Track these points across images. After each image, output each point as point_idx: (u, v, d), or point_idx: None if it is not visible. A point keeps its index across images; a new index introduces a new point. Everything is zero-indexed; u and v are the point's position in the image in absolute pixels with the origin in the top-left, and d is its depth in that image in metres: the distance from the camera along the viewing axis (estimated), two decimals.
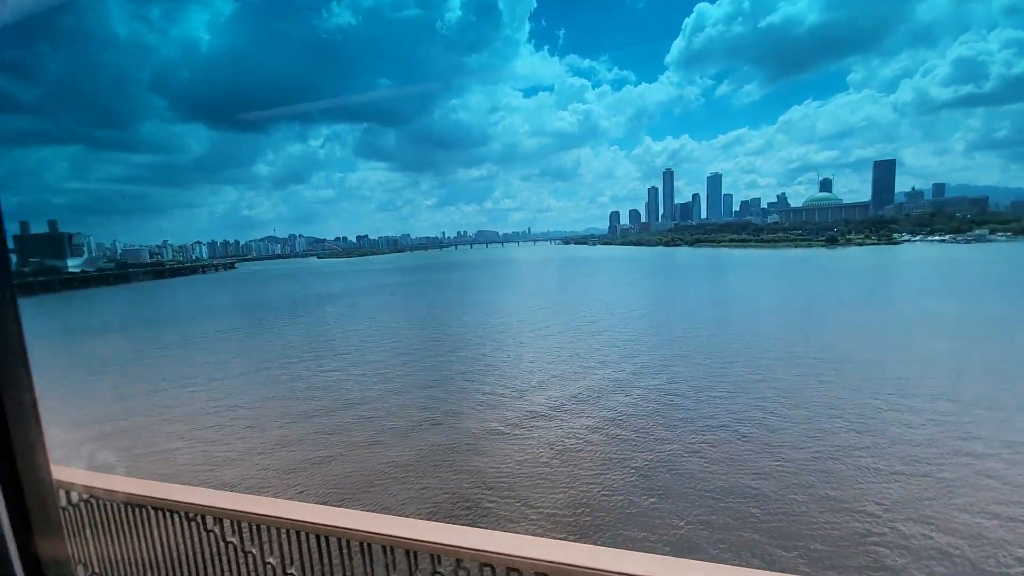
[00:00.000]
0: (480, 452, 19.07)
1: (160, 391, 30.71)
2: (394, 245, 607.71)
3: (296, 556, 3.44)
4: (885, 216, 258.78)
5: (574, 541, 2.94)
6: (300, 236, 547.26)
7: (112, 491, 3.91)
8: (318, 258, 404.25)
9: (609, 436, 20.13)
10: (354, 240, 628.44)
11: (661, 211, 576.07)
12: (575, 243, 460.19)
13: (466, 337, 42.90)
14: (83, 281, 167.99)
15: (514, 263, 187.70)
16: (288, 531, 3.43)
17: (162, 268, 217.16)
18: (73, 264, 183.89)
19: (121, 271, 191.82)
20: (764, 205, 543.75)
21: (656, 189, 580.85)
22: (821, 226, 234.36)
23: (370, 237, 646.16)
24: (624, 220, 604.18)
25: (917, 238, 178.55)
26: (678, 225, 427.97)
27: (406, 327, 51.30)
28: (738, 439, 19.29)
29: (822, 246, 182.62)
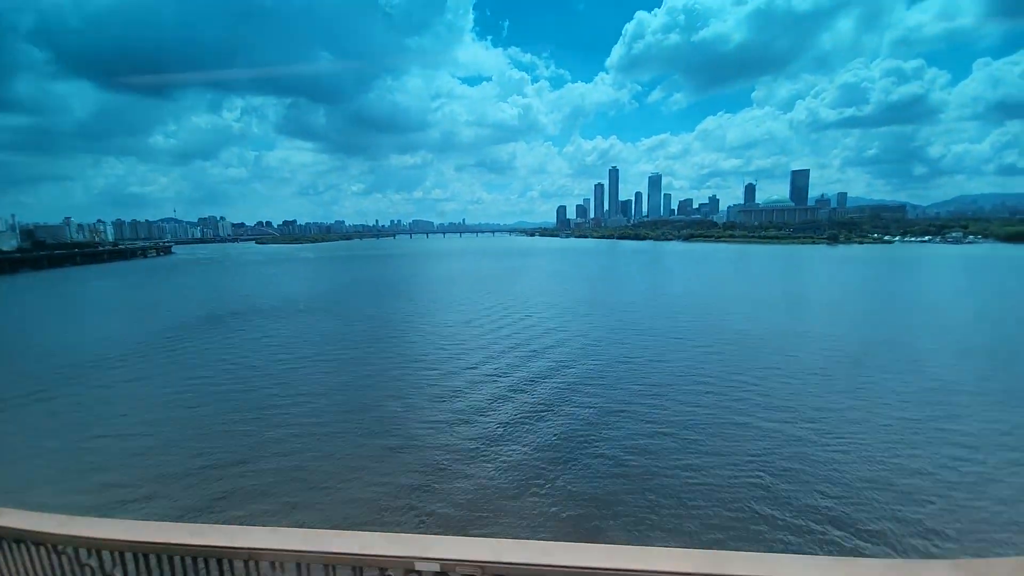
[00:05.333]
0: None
1: None
2: (326, 232, 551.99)
3: None
4: (836, 219, 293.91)
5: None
6: (223, 219, 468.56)
7: None
8: (257, 243, 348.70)
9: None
10: (277, 225, 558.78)
11: (606, 207, 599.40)
12: (539, 235, 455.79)
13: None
14: (8, 264, 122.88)
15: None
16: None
17: (98, 251, 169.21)
18: None
19: (53, 253, 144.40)
20: (696, 205, 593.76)
21: (602, 186, 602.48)
22: (807, 225, 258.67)
23: (298, 222, 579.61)
24: (571, 214, 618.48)
25: (896, 239, 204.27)
26: (646, 221, 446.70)
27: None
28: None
29: (824, 243, 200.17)
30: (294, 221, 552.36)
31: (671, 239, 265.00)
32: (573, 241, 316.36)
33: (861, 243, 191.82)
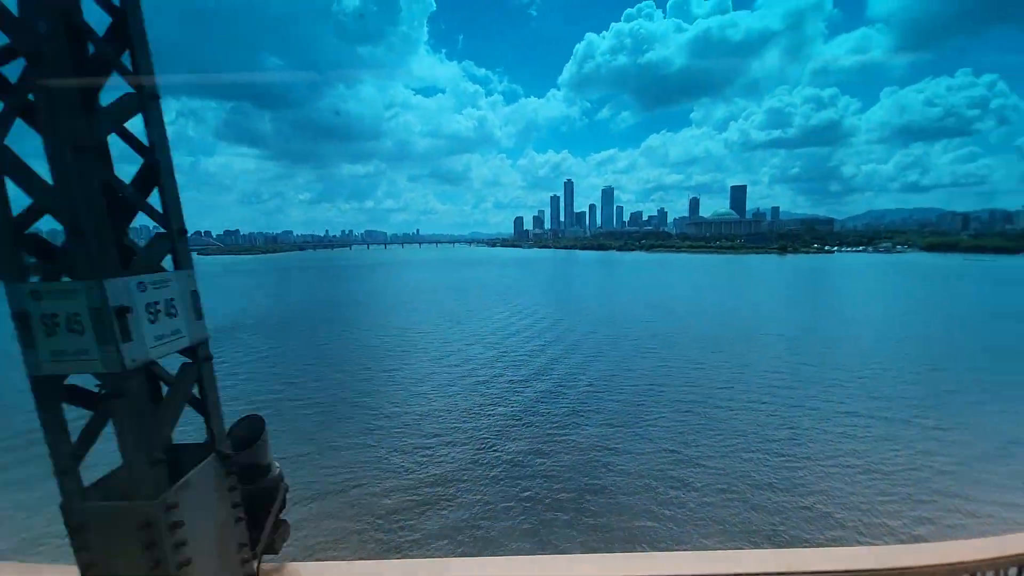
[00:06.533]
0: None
1: None
2: (273, 241, 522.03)
3: None
4: (777, 231, 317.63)
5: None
6: (156, 229, 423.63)
7: None
8: (198, 254, 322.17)
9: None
10: (217, 235, 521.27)
11: (562, 218, 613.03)
12: (500, 245, 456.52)
13: None
14: None
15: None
16: None
17: None
18: None
19: None
20: (645, 217, 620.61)
21: (558, 198, 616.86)
22: (753, 236, 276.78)
23: (241, 232, 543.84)
24: (527, 225, 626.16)
25: (835, 249, 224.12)
26: (601, 232, 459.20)
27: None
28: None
29: (775, 253, 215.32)
30: (236, 231, 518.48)
31: (633, 249, 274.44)
32: (536, 252, 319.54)
33: (806, 253, 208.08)
